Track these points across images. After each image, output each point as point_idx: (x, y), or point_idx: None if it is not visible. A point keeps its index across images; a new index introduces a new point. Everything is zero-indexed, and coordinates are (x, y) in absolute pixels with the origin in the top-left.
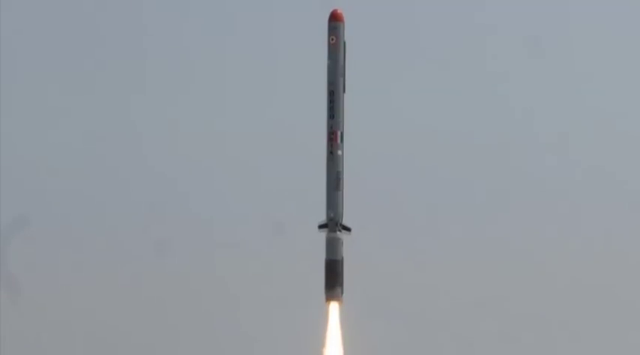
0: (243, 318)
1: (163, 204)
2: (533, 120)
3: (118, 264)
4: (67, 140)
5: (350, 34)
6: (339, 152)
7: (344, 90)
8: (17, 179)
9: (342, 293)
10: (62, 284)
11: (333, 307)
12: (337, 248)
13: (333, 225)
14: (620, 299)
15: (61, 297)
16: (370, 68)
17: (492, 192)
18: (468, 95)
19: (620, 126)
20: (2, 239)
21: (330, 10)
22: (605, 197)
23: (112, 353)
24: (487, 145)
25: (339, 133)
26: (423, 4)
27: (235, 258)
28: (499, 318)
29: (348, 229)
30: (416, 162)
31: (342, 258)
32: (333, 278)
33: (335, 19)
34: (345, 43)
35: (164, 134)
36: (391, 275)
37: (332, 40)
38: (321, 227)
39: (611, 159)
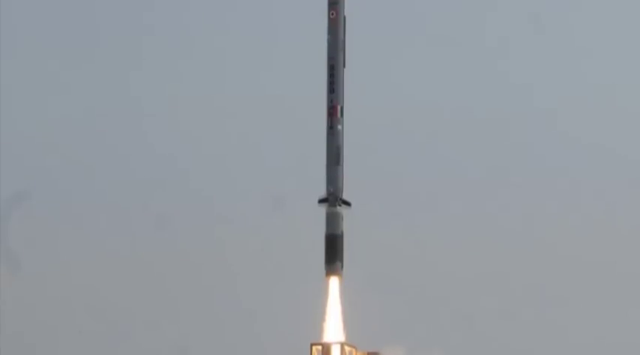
0: (243, 293)
1: (163, 178)
2: (533, 95)
3: (118, 240)
4: (67, 115)
5: (350, 8)
6: (339, 126)
7: (344, 65)
8: (18, 154)
9: (342, 267)
10: (62, 259)
11: (333, 281)
12: (337, 222)
13: (333, 199)
14: (620, 273)
15: (61, 273)
16: (370, 43)
17: (492, 166)
18: (468, 69)
19: (620, 101)
20: (2, 214)
21: None
22: (605, 172)
23: (112, 329)
24: (487, 120)
25: (339, 108)
26: None
27: (235, 233)
28: (498, 292)
29: (348, 204)
30: (415, 137)
31: (342, 232)
32: (333, 253)
33: None
34: (345, 17)
35: (164, 109)
36: (391, 250)
37: (332, 14)
38: (321, 201)
39: (611, 134)
